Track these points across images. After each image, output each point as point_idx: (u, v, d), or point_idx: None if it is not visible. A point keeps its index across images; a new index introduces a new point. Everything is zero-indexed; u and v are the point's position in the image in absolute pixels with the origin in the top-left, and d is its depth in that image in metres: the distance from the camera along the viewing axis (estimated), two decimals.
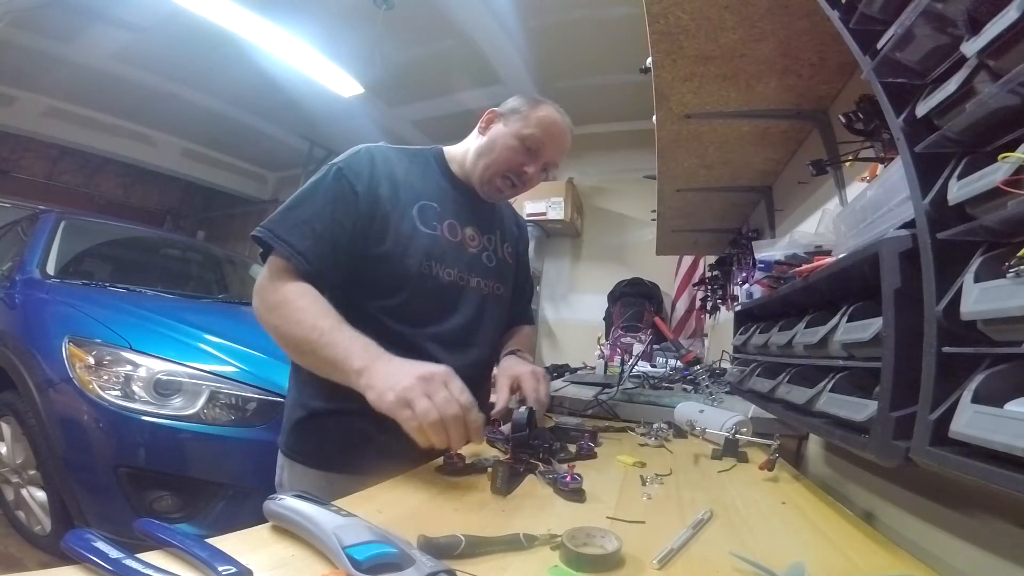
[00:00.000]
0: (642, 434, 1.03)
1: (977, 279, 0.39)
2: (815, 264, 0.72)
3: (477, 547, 0.44)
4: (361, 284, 0.85)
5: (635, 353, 2.36)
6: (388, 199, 0.87)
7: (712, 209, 2.06)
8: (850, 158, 0.96)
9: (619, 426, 1.13)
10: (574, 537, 0.44)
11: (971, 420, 0.37)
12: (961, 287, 0.41)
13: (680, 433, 1.05)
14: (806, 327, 0.72)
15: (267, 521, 0.46)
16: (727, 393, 1.34)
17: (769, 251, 0.99)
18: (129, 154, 5.20)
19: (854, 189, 1.05)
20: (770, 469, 0.79)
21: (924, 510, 0.66)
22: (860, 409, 0.53)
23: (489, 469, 0.65)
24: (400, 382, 0.64)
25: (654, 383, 1.58)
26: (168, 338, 1.70)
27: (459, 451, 0.71)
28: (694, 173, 1.69)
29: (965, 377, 0.40)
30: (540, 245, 4.07)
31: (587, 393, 1.37)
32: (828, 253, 0.78)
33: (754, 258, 1.28)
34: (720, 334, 2.57)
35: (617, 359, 2.17)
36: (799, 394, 0.68)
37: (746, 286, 1.44)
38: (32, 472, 1.63)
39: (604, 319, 3.63)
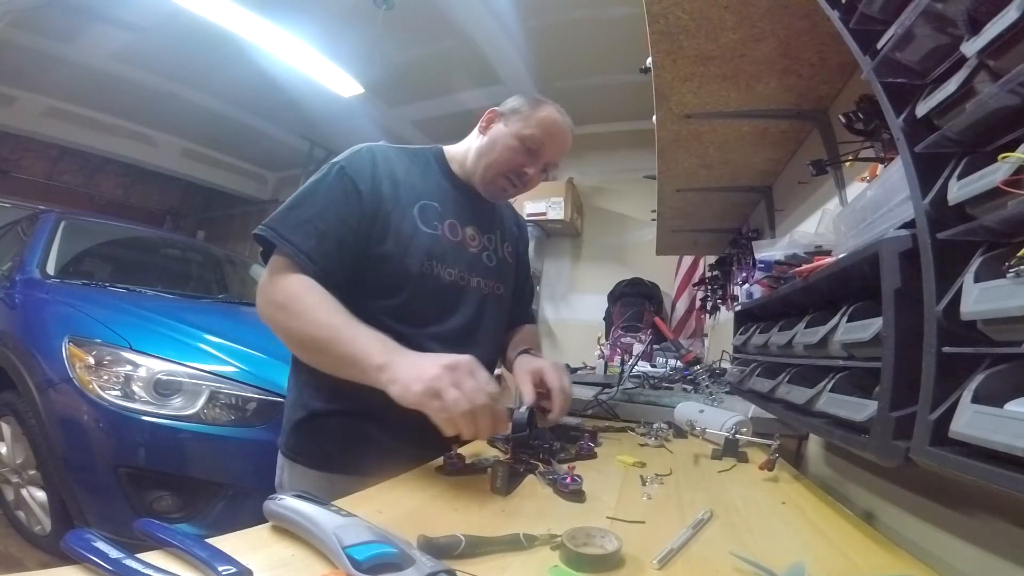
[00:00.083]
0: (642, 434, 1.03)
1: (977, 279, 0.40)
2: (815, 264, 0.72)
3: (477, 547, 0.44)
4: (361, 284, 0.85)
5: (635, 353, 2.37)
6: (390, 198, 0.87)
7: (712, 209, 2.06)
8: (850, 158, 0.96)
9: (619, 426, 1.13)
10: (574, 537, 0.44)
11: (971, 420, 0.37)
12: (961, 287, 0.41)
13: (680, 433, 1.05)
14: (806, 327, 0.72)
15: (267, 521, 0.46)
16: (727, 393, 1.34)
17: (769, 251, 0.99)
18: (129, 154, 5.20)
19: (854, 189, 1.05)
20: (770, 469, 0.79)
21: (924, 510, 0.66)
22: (860, 409, 0.53)
23: (489, 469, 0.65)
24: (426, 372, 0.63)
25: (654, 383, 1.58)
26: (168, 338, 1.70)
27: (459, 451, 0.71)
28: (694, 173, 1.69)
29: (965, 377, 0.40)
30: (540, 245, 4.07)
31: (587, 393, 1.37)
32: (828, 253, 0.78)
33: (754, 258, 1.28)
34: (720, 334, 2.57)
35: (617, 359, 2.17)
36: (799, 394, 0.68)
37: (746, 286, 1.44)
38: (32, 472, 1.63)
39: (604, 319, 3.63)
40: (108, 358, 1.54)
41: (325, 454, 0.85)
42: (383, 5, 2.92)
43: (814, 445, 1.10)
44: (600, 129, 3.81)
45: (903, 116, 0.50)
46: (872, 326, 0.52)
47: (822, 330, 0.65)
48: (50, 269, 2.19)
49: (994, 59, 0.40)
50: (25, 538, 1.65)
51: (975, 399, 0.38)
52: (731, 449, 0.88)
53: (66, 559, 0.35)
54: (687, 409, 1.12)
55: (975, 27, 0.40)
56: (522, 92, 1.00)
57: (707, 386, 1.46)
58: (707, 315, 2.90)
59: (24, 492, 1.66)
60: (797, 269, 0.79)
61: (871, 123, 0.79)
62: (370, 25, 3.01)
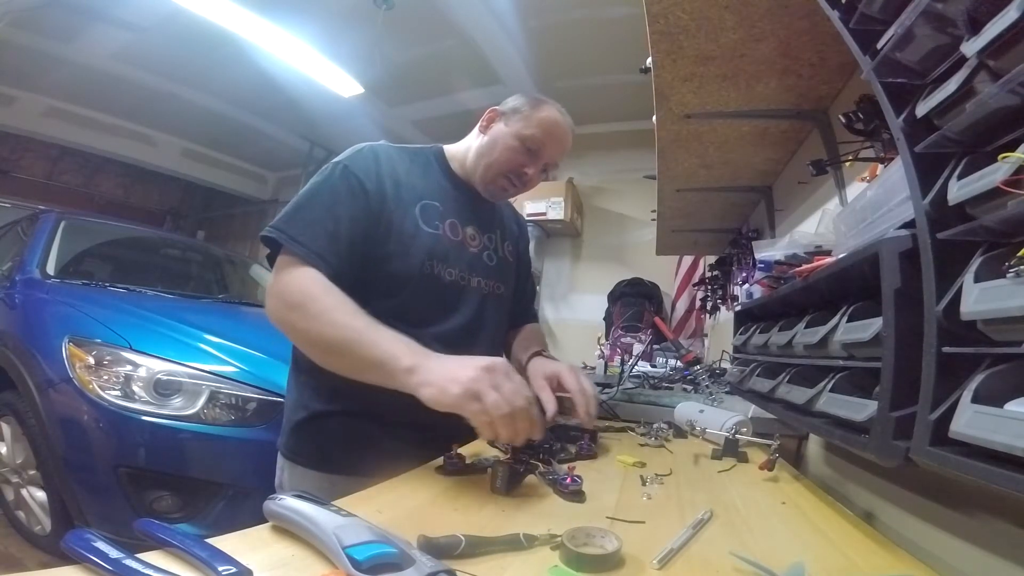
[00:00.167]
0: (642, 434, 1.03)
1: (977, 279, 0.40)
2: (815, 264, 0.72)
3: (477, 547, 0.43)
4: (362, 283, 0.85)
5: (635, 353, 2.36)
6: (392, 198, 0.87)
7: (712, 209, 2.06)
8: (850, 158, 0.96)
9: (619, 426, 1.13)
10: (574, 537, 0.44)
11: (971, 420, 0.37)
12: (961, 287, 0.41)
13: (680, 433, 1.05)
14: (806, 327, 0.72)
15: (267, 521, 0.46)
16: (727, 393, 1.34)
17: (769, 251, 0.99)
18: (129, 154, 5.20)
19: (854, 189, 1.05)
20: (770, 469, 0.79)
21: (924, 510, 0.66)
22: (860, 409, 0.53)
23: (489, 469, 0.65)
24: (463, 374, 0.62)
25: (654, 383, 1.58)
26: (168, 338, 1.70)
27: (459, 451, 0.71)
28: (694, 173, 1.69)
29: (965, 377, 0.40)
30: (540, 245, 4.08)
31: None
32: (828, 253, 0.78)
33: (754, 258, 1.28)
34: (720, 334, 2.57)
35: (617, 359, 2.16)
36: (799, 394, 0.68)
37: (746, 286, 1.44)
38: (32, 472, 1.63)
39: (604, 319, 3.62)
40: (108, 358, 1.54)
41: (325, 455, 0.85)
42: (383, 5, 2.92)
43: (814, 445, 1.10)
44: (600, 129, 3.81)
45: (903, 116, 0.50)
46: (872, 326, 0.52)
47: (822, 330, 0.65)
48: (50, 269, 2.19)
49: (994, 59, 0.40)
50: (25, 538, 1.65)
51: (975, 399, 0.38)
52: (731, 449, 0.88)
53: (66, 559, 0.35)
54: (687, 409, 1.12)
55: (975, 27, 0.40)
56: (522, 92, 0.99)
57: (707, 386, 1.46)
58: (707, 315, 2.90)
59: (24, 492, 1.66)
60: (797, 269, 0.79)
61: (871, 123, 0.79)
62: (370, 25, 3.01)
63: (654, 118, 1.35)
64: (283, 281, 0.77)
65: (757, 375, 0.92)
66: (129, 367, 1.52)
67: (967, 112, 0.41)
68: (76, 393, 1.48)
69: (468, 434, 0.82)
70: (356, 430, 0.85)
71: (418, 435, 0.80)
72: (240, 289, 3.14)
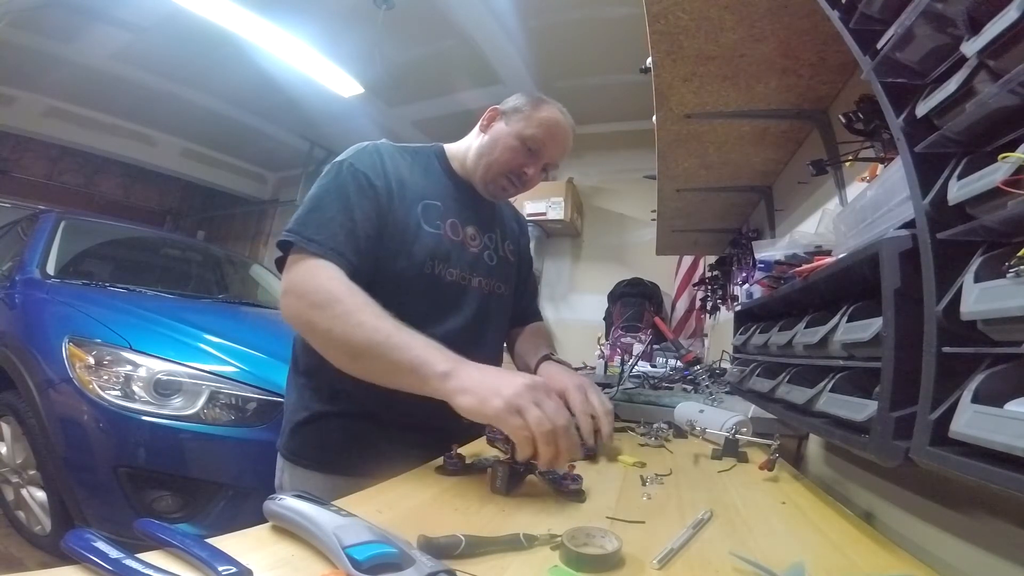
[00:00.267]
0: (642, 434, 1.03)
1: (977, 279, 0.39)
2: (815, 264, 0.72)
3: (477, 547, 0.43)
4: (365, 283, 0.84)
5: (635, 353, 2.36)
6: (397, 196, 0.86)
7: (712, 209, 2.06)
8: (850, 158, 0.96)
9: (619, 426, 1.13)
10: (574, 537, 0.44)
11: (971, 420, 0.37)
12: (961, 287, 0.41)
13: (680, 433, 1.05)
14: (806, 327, 0.72)
15: (267, 521, 0.46)
16: (727, 393, 1.34)
17: (769, 251, 0.99)
18: (129, 154, 5.20)
19: (854, 189, 1.05)
20: (770, 469, 0.79)
21: (924, 510, 0.66)
22: (860, 409, 0.53)
23: (489, 469, 0.65)
24: (506, 389, 0.60)
25: (654, 383, 1.58)
26: (168, 338, 1.70)
27: (459, 451, 0.71)
28: (694, 173, 1.69)
29: (965, 377, 0.40)
30: (540, 245, 4.08)
31: None
32: (828, 253, 0.78)
33: (754, 258, 1.28)
34: (720, 334, 2.57)
35: (617, 359, 2.16)
36: (799, 394, 0.68)
37: (746, 286, 1.44)
38: (32, 472, 1.63)
39: (604, 319, 3.62)
40: (108, 358, 1.54)
41: (326, 456, 0.85)
42: (383, 5, 2.92)
43: (814, 445, 1.10)
44: (600, 129, 3.82)
45: (903, 116, 0.50)
46: (872, 326, 0.52)
47: (822, 330, 0.65)
48: (50, 269, 2.19)
49: (994, 59, 0.40)
50: (25, 538, 1.65)
51: (975, 399, 0.38)
52: (731, 449, 0.88)
53: (66, 559, 0.35)
54: (687, 409, 1.12)
55: (975, 27, 0.40)
56: (523, 91, 0.99)
57: (707, 386, 1.46)
58: (707, 315, 2.90)
59: (24, 492, 1.66)
60: (797, 269, 0.79)
61: (871, 123, 0.79)
62: (370, 25, 3.01)
63: (654, 118, 1.35)
64: (301, 278, 0.75)
65: (757, 375, 0.92)
66: (129, 367, 1.52)
67: (967, 112, 0.41)
68: (76, 393, 1.48)
69: (468, 434, 0.83)
70: (356, 431, 0.85)
71: (418, 436, 0.80)
72: (240, 289, 3.15)
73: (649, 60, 1.12)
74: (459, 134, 1.03)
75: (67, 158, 5.31)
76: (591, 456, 0.80)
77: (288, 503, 0.45)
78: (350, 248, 0.78)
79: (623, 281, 3.64)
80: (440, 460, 0.71)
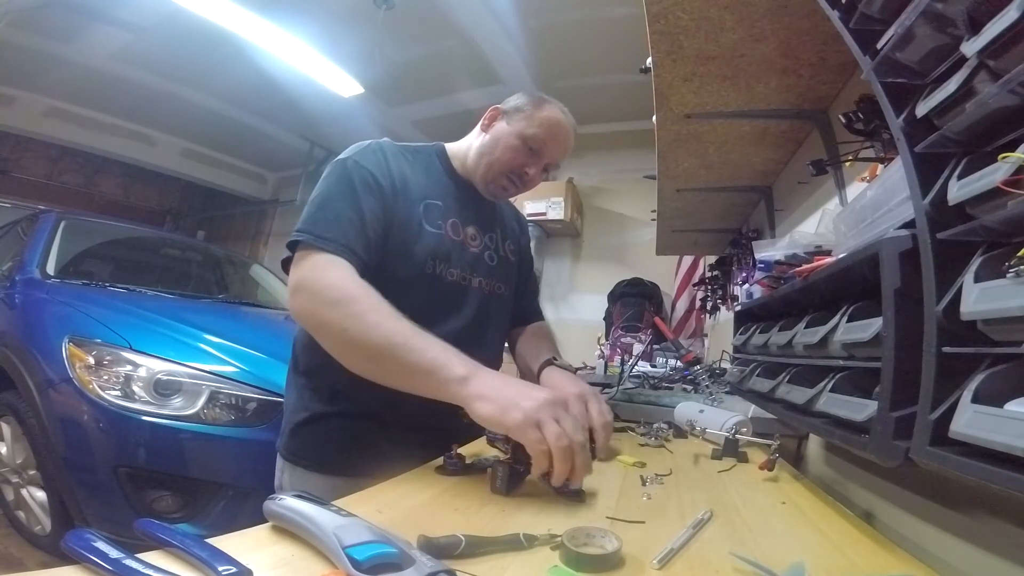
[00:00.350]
0: (642, 434, 1.03)
1: (977, 279, 0.39)
2: (815, 264, 0.72)
3: (477, 547, 0.43)
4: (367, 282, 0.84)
5: (635, 353, 2.36)
6: (401, 196, 0.86)
7: (712, 209, 2.06)
8: (850, 158, 0.96)
9: (619, 426, 1.13)
10: (574, 537, 0.44)
11: (971, 420, 0.37)
12: (961, 287, 0.41)
13: (680, 433, 1.05)
14: (806, 327, 0.72)
15: (267, 521, 0.46)
16: (727, 393, 1.34)
17: (769, 251, 0.99)
18: (129, 154, 5.21)
19: (854, 189, 1.05)
20: (770, 469, 0.79)
21: (924, 510, 0.66)
22: (860, 409, 0.53)
23: (489, 469, 0.65)
24: (527, 401, 0.60)
25: (654, 383, 1.58)
26: (168, 338, 1.70)
27: (459, 451, 0.71)
28: (694, 173, 1.69)
29: (965, 377, 0.40)
30: (540, 245, 4.08)
31: None
32: (828, 253, 0.78)
33: (754, 258, 1.28)
34: (720, 334, 2.57)
35: (617, 359, 2.17)
36: (799, 394, 0.68)
37: (746, 286, 1.45)
38: (32, 472, 1.63)
39: (604, 319, 3.63)
40: (108, 358, 1.54)
41: (326, 457, 0.85)
42: (383, 5, 2.92)
43: (814, 445, 1.10)
44: (600, 129, 3.82)
45: (903, 116, 0.50)
46: (872, 326, 0.52)
47: (822, 330, 0.65)
48: (50, 269, 2.19)
49: (994, 59, 0.40)
50: (25, 538, 1.65)
51: (975, 399, 0.38)
52: (731, 449, 0.87)
53: (66, 559, 0.35)
54: (687, 409, 1.12)
55: (975, 27, 0.40)
56: (522, 91, 0.99)
57: (707, 386, 1.46)
58: (707, 315, 2.90)
59: (24, 492, 1.66)
60: (797, 269, 0.79)
61: (871, 123, 0.79)
62: (370, 25, 3.01)
63: (654, 118, 1.35)
64: (313, 275, 0.74)
65: (757, 375, 0.92)
66: (129, 367, 1.52)
67: (967, 112, 0.41)
68: (76, 393, 1.48)
69: (468, 434, 0.83)
70: (356, 432, 0.85)
71: (419, 436, 0.80)
72: (240, 289, 3.15)
73: (649, 60, 1.12)
74: (459, 134, 1.02)
75: (67, 158, 5.31)
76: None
77: (288, 503, 0.45)
78: (360, 245, 0.77)
79: (623, 281, 3.64)
80: (440, 460, 0.71)
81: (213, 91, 4.21)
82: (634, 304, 3.44)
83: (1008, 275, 0.36)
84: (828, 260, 0.70)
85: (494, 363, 0.98)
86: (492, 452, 0.78)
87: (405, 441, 0.81)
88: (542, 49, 3.23)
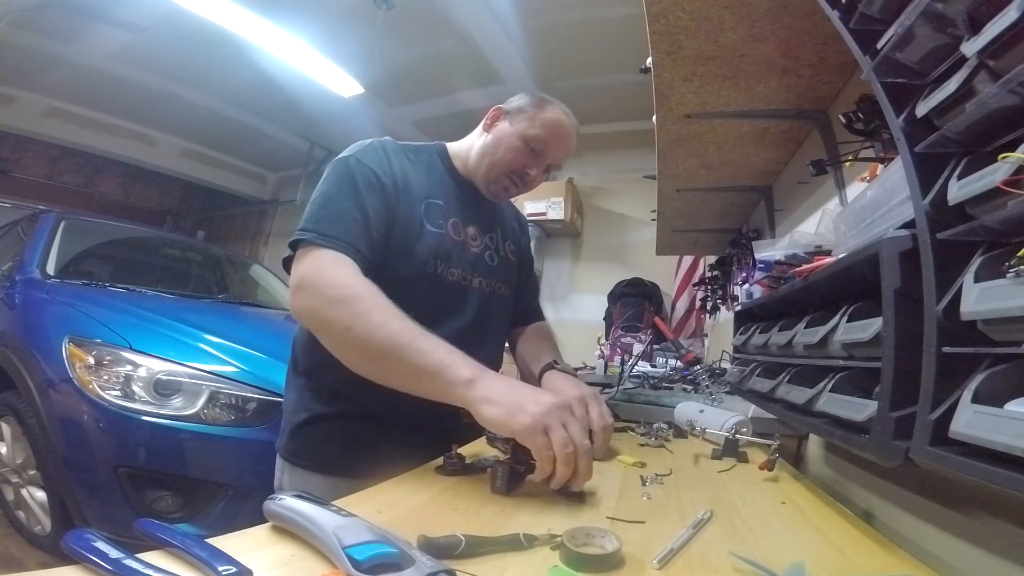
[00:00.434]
0: (642, 434, 1.03)
1: (977, 279, 0.39)
2: (815, 264, 0.72)
3: (477, 547, 0.43)
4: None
5: (635, 353, 2.37)
6: (403, 195, 0.86)
7: (712, 209, 2.06)
8: (850, 158, 0.96)
9: (619, 426, 1.13)
10: (574, 537, 0.44)
11: (971, 420, 0.37)
12: (961, 287, 0.41)
13: (680, 433, 1.05)
14: (806, 327, 0.72)
15: (267, 521, 0.46)
16: (727, 393, 1.34)
17: (769, 251, 0.99)
18: (129, 154, 5.21)
19: (854, 189, 1.05)
20: (770, 469, 0.79)
21: (924, 510, 0.66)
22: (860, 409, 0.53)
23: (489, 469, 0.65)
24: (534, 406, 0.60)
25: (654, 383, 1.58)
26: (168, 338, 1.70)
27: (459, 451, 0.71)
28: (694, 173, 1.69)
29: (965, 377, 0.40)
30: (540, 245, 4.08)
31: None
32: (828, 253, 0.78)
33: (754, 258, 1.28)
34: (720, 334, 2.58)
35: (617, 359, 2.17)
36: (799, 394, 0.68)
37: (746, 286, 1.45)
38: (32, 472, 1.63)
39: (604, 319, 3.63)
40: (108, 358, 1.54)
41: (326, 457, 0.85)
42: (383, 5, 2.92)
43: (814, 445, 1.10)
44: (600, 129, 3.82)
45: (903, 116, 0.50)
46: (872, 326, 0.52)
47: (822, 330, 0.65)
48: (50, 269, 2.19)
49: (994, 59, 0.40)
50: (25, 538, 1.65)
51: (975, 399, 0.38)
52: (731, 449, 0.87)
53: (66, 559, 0.35)
54: (687, 409, 1.12)
55: (975, 27, 0.40)
56: (523, 92, 0.98)
57: (707, 386, 1.46)
58: (707, 315, 2.90)
59: (24, 492, 1.66)
60: (797, 269, 0.79)
61: (871, 123, 0.79)
62: (370, 25, 3.01)
63: (654, 118, 1.35)
64: (317, 273, 0.73)
65: (757, 375, 0.92)
66: (129, 367, 1.52)
67: (967, 112, 0.41)
68: (76, 393, 1.48)
69: (468, 435, 0.83)
70: (357, 432, 0.85)
71: (418, 437, 0.80)
72: (240, 289, 3.15)
73: (649, 60, 1.12)
74: (459, 134, 1.02)
75: (67, 158, 5.31)
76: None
77: (288, 503, 0.45)
78: (364, 243, 0.77)
79: (623, 281, 3.64)
80: (440, 460, 0.71)
81: (213, 91, 4.21)
82: (634, 304, 3.44)
83: (1008, 275, 0.36)
84: (828, 260, 0.70)
85: (494, 363, 0.97)
86: (492, 452, 0.78)
87: (405, 441, 0.81)
88: (542, 49, 3.24)
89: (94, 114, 4.66)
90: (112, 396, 1.47)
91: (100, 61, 3.81)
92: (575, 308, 4.16)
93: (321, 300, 0.72)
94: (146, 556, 0.37)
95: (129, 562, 0.34)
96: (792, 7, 0.90)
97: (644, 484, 0.70)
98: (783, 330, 0.81)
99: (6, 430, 1.73)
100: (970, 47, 0.41)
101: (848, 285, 0.65)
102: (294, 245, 0.78)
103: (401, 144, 0.94)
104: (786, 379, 0.76)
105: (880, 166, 0.79)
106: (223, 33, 3.05)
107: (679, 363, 1.86)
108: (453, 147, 1.00)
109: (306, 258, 0.75)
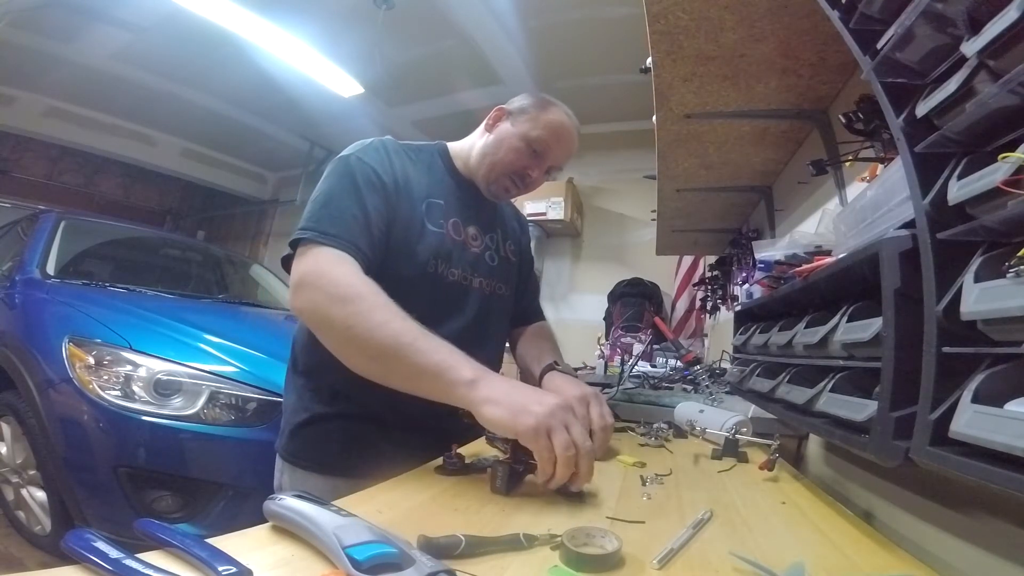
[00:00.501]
0: (642, 434, 1.03)
1: (977, 279, 0.39)
2: (815, 264, 0.72)
3: (477, 547, 0.43)
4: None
5: (635, 353, 2.37)
6: (403, 194, 0.86)
7: (712, 209, 2.06)
8: (850, 158, 0.96)
9: (619, 426, 1.13)
10: (574, 537, 0.44)
11: (971, 420, 0.37)
12: (961, 287, 0.41)
13: (680, 433, 1.05)
14: (806, 327, 0.72)
15: (267, 521, 0.46)
16: (727, 393, 1.34)
17: (769, 251, 0.99)
18: (129, 154, 5.21)
19: (854, 189, 1.05)
20: (770, 469, 0.79)
21: (924, 510, 0.66)
22: (860, 409, 0.53)
23: (489, 469, 0.65)
24: (537, 407, 0.59)
25: (654, 383, 1.58)
26: (168, 338, 1.70)
27: (459, 451, 0.71)
28: (694, 173, 1.69)
29: (965, 377, 0.40)
30: (540, 245, 4.08)
31: None
32: (828, 253, 0.78)
33: (754, 258, 1.28)
34: (720, 334, 2.58)
35: (617, 359, 2.17)
36: (799, 394, 0.68)
37: (746, 286, 1.45)
38: (32, 472, 1.63)
39: (604, 319, 3.63)
40: (108, 358, 1.54)
41: (326, 458, 0.85)
42: (383, 5, 2.92)
43: (814, 445, 1.10)
44: (600, 129, 3.82)
45: (903, 116, 0.50)
46: (872, 326, 0.52)
47: (822, 330, 0.65)
48: (50, 269, 2.19)
49: (994, 59, 0.40)
50: (25, 538, 1.65)
51: (975, 399, 0.38)
52: (731, 449, 0.87)
53: (66, 559, 0.35)
54: (687, 409, 1.12)
55: (975, 27, 0.40)
56: (523, 92, 0.98)
57: (707, 386, 1.46)
58: (707, 315, 2.90)
59: (24, 492, 1.66)
60: (797, 269, 0.79)
61: (871, 123, 0.79)
62: (370, 25, 3.01)
63: (654, 118, 1.35)
64: (318, 270, 0.72)
65: (757, 375, 0.92)
66: (129, 367, 1.52)
67: (967, 112, 0.41)
68: (76, 393, 1.48)
69: (468, 435, 0.83)
70: (357, 433, 0.85)
71: (418, 437, 0.80)
72: (240, 289, 3.15)
73: (649, 60, 1.12)
74: (459, 134, 1.02)
75: (67, 158, 5.31)
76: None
77: (288, 503, 0.45)
78: (365, 242, 0.77)
79: (623, 281, 3.64)
80: (440, 460, 0.71)
81: (213, 91, 4.21)
82: (634, 304, 3.44)
83: (1008, 275, 0.36)
84: (828, 260, 0.70)
85: (494, 364, 0.98)
86: (492, 452, 0.78)
87: (405, 441, 0.81)
88: (542, 49, 3.24)
89: (94, 114, 4.66)
90: (112, 396, 1.47)
91: (100, 61, 3.81)
92: (575, 308, 4.16)
93: (323, 298, 0.71)
94: (146, 556, 0.37)
95: (129, 562, 0.34)
96: (792, 7, 0.90)
97: (644, 484, 0.70)
98: (783, 330, 0.81)
99: (6, 430, 1.73)
100: (970, 47, 0.41)
101: (848, 285, 0.65)
102: (294, 244, 0.77)
103: (402, 143, 0.93)
104: (786, 379, 0.76)
105: (880, 166, 0.79)
106: (223, 33, 3.05)
107: (679, 363, 1.86)
108: (454, 147, 1.00)
109: (307, 256, 0.75)
